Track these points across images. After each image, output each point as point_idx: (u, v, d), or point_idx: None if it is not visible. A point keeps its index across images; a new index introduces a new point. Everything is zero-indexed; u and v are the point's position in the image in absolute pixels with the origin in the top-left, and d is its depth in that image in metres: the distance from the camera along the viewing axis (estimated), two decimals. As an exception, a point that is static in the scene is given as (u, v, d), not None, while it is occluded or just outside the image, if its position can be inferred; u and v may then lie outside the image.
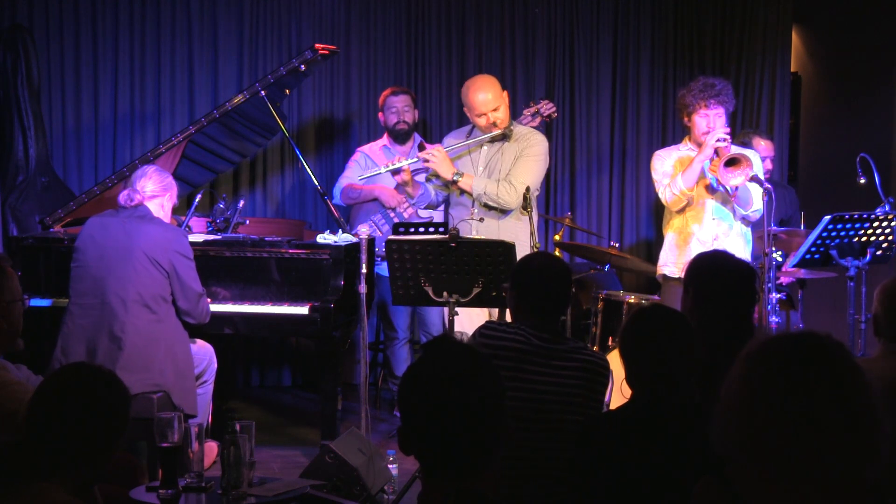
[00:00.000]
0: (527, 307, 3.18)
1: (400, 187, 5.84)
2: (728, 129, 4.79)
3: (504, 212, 4.86)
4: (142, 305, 4.32)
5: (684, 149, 4.95)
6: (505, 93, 4.94)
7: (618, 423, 2.69)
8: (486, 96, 4.84)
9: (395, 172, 4.95)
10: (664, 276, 4.94)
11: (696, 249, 4.77)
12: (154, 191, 4.52)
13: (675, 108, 5.05)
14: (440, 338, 1.97)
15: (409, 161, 4.99)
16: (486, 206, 4.85)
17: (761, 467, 1.50)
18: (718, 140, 4.71)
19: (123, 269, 4.33)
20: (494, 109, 4.85)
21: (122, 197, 4.49)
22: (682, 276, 4.74)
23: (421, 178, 5.12)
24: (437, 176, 4.94)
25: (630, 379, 2.71)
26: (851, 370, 1.51)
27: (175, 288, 4.42)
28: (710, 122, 4.79)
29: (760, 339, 1.56)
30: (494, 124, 4.86)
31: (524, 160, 4.84)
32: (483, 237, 4.73)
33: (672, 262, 4.89)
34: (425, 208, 5.24)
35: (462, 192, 4.89)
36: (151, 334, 4.32)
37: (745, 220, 4.87)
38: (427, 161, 4.89)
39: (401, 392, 1.88)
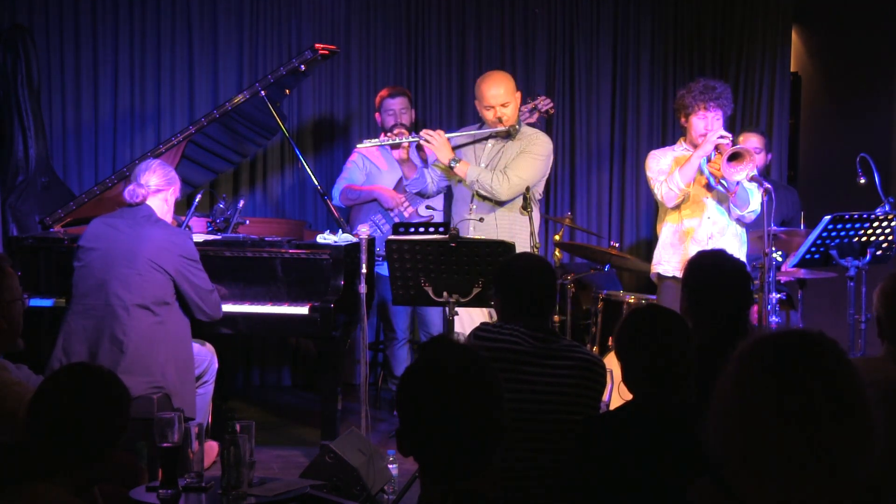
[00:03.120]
0: (515, 309, 3.18)
1: (400, 187, 5.86)
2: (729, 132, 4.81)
3: (499, 205, 4.86)
4: (144, 308, 4.32)
5: (679, 149, 4.95)
6: (518, 93, 4.97)
7: (616, 423, 2.69)
8: (497, 91, 4.88)
9: (394, 147, 4.97)
10: (658, 274, 4.93)
11: (691, 248, 4.76)
12: (158, 184, 4.52)
13: (672, 107, 5.05)
14: (437, 338, 1.97)
15: (409, 139, 5.01)
16: (479, 195, 4.86)
17: (756, 467, 1.50)
18: (720, 137, 4.71)
19: (126, 272, 4.33)
20: (503, 105, 4.87)
21: (127, 193, 4.49)
22: (677, 274, 4.77)
23: (428, 162, 5.16)
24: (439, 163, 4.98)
25: (627, 379, 2.71)
26: (843, 366, 1.51)
27: (186, 289, 4.43)
28: (709, 124, 4.79)
29: (750, 338, 1.56)
30: (500, 120, 4.88)
31: (524, 156, 4.87)
32: (482, 237, 4.74)
33: (666, 261, 4.88)
34: (416, 194, 5.25)
35: (459, 180, 4.91)
36: (153, 337, 4.33)
37: (740, 220, 4.87)
38: (427, 142, 4.92)
39: (399, 393, 1.88)
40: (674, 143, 5.14)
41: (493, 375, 1.86)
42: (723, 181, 4.75)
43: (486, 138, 4.98)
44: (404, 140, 4.98)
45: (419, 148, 5.97)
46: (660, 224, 5.00)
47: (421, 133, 5.00)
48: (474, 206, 4.90)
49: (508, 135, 4.91)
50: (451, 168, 4.88)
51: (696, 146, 4.83)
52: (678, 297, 4.61)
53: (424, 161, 5.99)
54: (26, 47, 6.05)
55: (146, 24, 6.54)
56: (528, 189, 4.75)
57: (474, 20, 6.89)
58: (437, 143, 4.90)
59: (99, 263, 4.38)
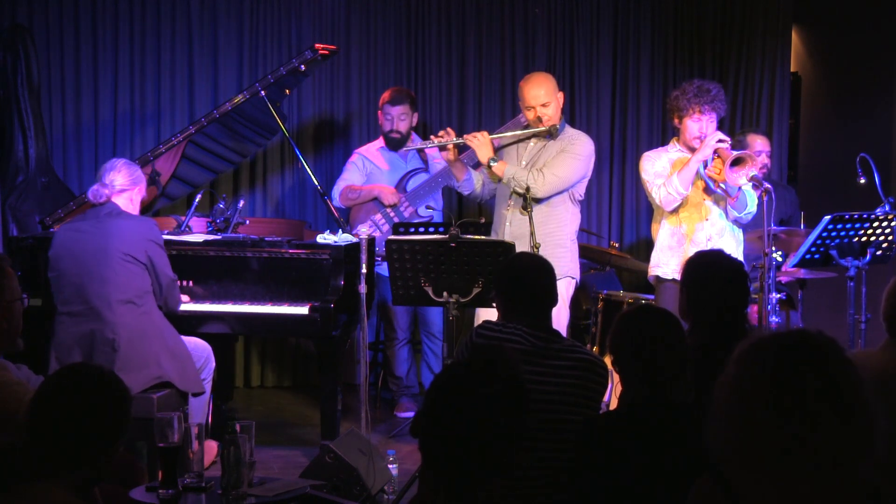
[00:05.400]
0: (516, 308, 3.18)
1: (400, 186, 5.87)
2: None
3: (537, 202, 4.88)
4: (126, 303, 4.34)
5: (673, 150, 4.93)
6: (560, 94, 5.01)
7: (615, 423, 2.69)
8: (538, 91, 4.92)
9: (442, 149, 5.01)
10: (657, 277, 4.91)
11: (690, 250, 4.76)
12: (123, 184, 4.53)
13: (665, 107, 5.04)
14: (495, 348, 1.97)
15: (454, 140, 5.02)
16: (517, 193, 4.88)
17: (757, 468, 1.50)
18: (719, 141, 4.70)
19: (102, 271, 4.33)
20: (543, 105, 4.90)
21: (91, 193, 4.51)
22: (677, 276, 4.77)
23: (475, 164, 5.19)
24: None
25: (623, 380, 2.72)
26: (843, 366, 1.51)
27: (152, 276, 4.45)
28: (703, 127, 4.78)
29: (750, 339, 1.57)
30: (540, 120, 4.90)
31: (563, 155, 4.90)
32: (483, 237, 4.74)
33: (665, 263, 4.87)
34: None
35: (499, 179, 4.94)
36: (141, 329, 4.34)
37: (737, 221, 4.87)
38: (469, 142, 4.95)
39: (435, 381, 1.89)
40: (674, 143, 5.13)
41: (526, 404, 1.87)
42: (722, 185, 4.76)
43: (529, 138, 5.02)
44: (449, 142, 4.99)
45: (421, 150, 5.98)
46: (655, 226, 5.00)
47: (465, 136, 5.03)
48: (511, 203, 4.93)
49: (550, 134, 4.94)
50: (490, 167, 4.92)
51: (689, 148, 4.83)
52: (676, 298, 4.64)
53: (425, 162, 6.00)
54: (26, 47, 6.05)
55: (146, 24, 6.54)
56: (527, 189, 4.76)
57: (474, 20, 6.89)
58: (479, 142, 4.94)
59: (73, 269, 4.38)
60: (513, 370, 1.89)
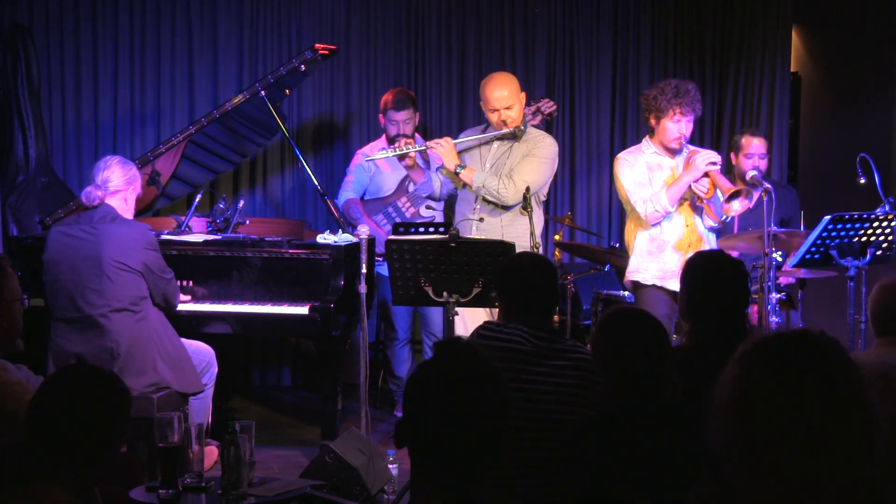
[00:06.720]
0: (518, 308, 3.18)
1: (402, 186, 5.86)
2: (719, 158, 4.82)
3: (505, 208, 4.87)
4: (123, 311, 4.30)
5: (648, 152, 4.92)
6: (523, 94, 4.97)
7: (613, 423, 2.69)
8: (501, 93, 4.88)
9: (402, 157, 4.99)
10: (636, 282, 4.89)
11: (670, 256, 4.79)
12: (117, 185, 4.44)
13: (640, 105, 5.02)
14: (455, 340, 1.96)
15: (416, 148, 5.02)
16: (486, 200, 4.87)
17: (758, 468, 1.50)
18: (710, 164, 4.72)
19: (98, 280, 4.28)
20: (507, 108, 4.87)
21: (84, 195, 4.43)
22: (656, 282, 4.80)
23: (432, 167, 5.19)
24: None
25: (609, 383, 2.72)
26: (845, 366, 1.51)
27: (150, 280, 4.41)
28: (682, 127, 4.79)
29: (752, 339, 1.57)
30: (504, 122, 4.88)
31: (530, 159, 4.87)
32: (482, 237, 4.74)
33: (644, 269, 4.87)
34: (426, 197, 5.28)
35: (465, 185, 4.92)
36: (138, 334, 4.32)
37: (711, 228, 4.94)
38: (433, 149, 4.94)
39: (408, 388, 1.88)
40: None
41: (503, 387, 1.87)
42: (705, 200, 4.80)
43: (492, 140, 5.00)
44: (411, 150, 4.99)
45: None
46: (630, 227, 4.99)
47: (427, 143, 5.02)
48: (478, 206, 4.91)
49: (514, 136, 4.92)
50: (457, 174, 4.89)
51: (665, 147, 4.84)
52: (657, 304, 4.69)
53: (426, 162, 5.99)
54: (26, 47, 6.06)
55: (146, 23, 6.54)
56: (527, 189, 4.75)
57: (474, 20, 6.89)
58: (444, 149, 4.92)
59: (68, 276, 4.33)
60: (476, 353, 1.89)
